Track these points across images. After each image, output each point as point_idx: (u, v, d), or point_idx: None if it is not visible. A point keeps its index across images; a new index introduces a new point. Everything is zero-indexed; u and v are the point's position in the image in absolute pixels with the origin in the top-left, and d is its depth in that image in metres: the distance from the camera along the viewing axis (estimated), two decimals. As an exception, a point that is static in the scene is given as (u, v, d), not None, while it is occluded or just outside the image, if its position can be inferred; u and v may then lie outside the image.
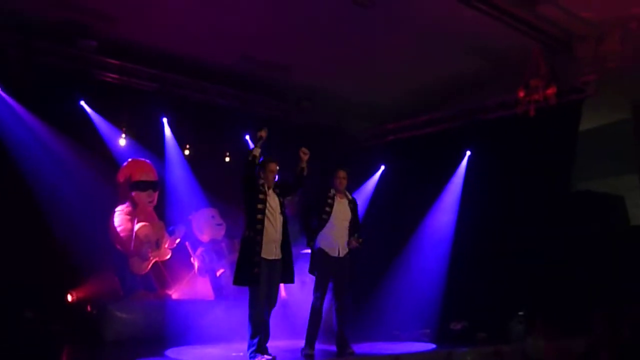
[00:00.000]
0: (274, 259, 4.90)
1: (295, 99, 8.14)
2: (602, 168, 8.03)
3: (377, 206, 8.21)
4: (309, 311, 5.33)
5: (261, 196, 4.88)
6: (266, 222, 4.87)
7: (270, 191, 4.96)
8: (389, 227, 7.89)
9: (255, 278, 4.74)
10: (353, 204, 5.50)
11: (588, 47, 6.40)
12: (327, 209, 5.35)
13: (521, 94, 6.77)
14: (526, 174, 6.99)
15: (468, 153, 7.81)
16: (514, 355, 5.56)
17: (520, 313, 6.26)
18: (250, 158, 4.94)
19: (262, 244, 4.81)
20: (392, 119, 8.54)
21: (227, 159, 7.89)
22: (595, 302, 5.77)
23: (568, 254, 6.45)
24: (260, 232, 4.82)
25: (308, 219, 5.45)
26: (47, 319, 5.69)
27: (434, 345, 6.16)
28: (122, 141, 7.01)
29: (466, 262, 7.26)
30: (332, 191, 5.43)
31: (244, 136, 8.19)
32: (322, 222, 5.34)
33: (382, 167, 8.66)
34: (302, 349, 5.20)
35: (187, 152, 7.57)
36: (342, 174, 5.46)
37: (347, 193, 5.52)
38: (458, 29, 6.30)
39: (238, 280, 4.89)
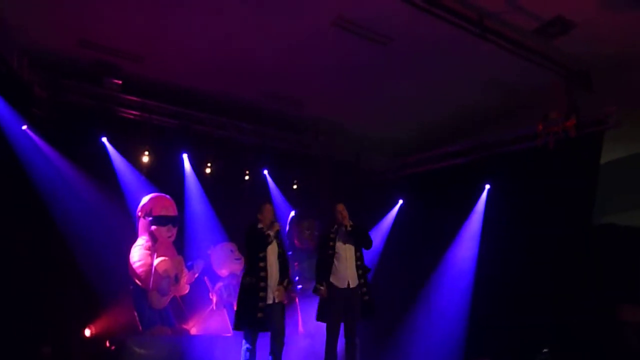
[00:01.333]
0: (273, 303, 5.03)
1: (314, 133, 8.21)
2: (624, 201, 7.88)
3: (395, 241, 8.14)
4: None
5: (262, 234, 5.10)
6: (268, 266, 5.03)
7: (271, 236, 5.11)
8: (409, 261, 7.82)
9: (260, 324, 4.90)
10: (353, 228, 5.46)
11: (608, 79, 6.39)
12: (331, 243, 5.40)
13: (540, 127, 6.76)
14: (547, 208, 6.90)
15: (487, 186, 7.76)
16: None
17: (545, 350, 6.08)
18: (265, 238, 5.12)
19: (266, 289, 4.96)
20: (410, 152, 8.55)
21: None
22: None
23: (592, 289, 6.30)
24: (264, 279, 4.97)
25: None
26: (65, 354, 5.68)
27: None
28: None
29: (489, 297, 7.13)
30: (335, 226, 5.48)
31: (263, 170, 8.26)
32: (329, 257, 5.36)
33: (400, 202, 8.62)
34: None
35: (207, 170, 7.66)
36: (340, 207, 5.50)
37: (349, 222, 5.49)
38: (475, 63, 6.35)
39: (238, 326, 5.03)
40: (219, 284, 7.08)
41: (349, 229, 5.39)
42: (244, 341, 5.01)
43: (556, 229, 6.77)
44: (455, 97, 7.19)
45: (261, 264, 5.02)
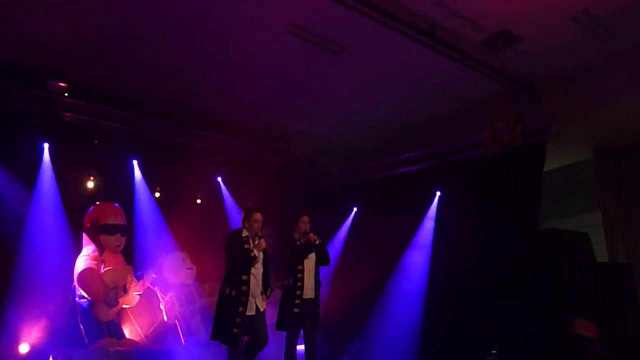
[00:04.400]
0: (255, 314, 4.98)
1: (269, 140, 8.16)
2: (568, 206, 8.23)
3: (350, 247, 8.19)
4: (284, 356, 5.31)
5: (247, 253, 4.96)
6: (251, 278, 4.87)
7: (254, 245, 4.99)
8: (364, 268, 7.86)
9: (234, 338, 4.79)
10: (319, 245, 5.62)
11: (550, 90, 6.67)
12: (297, 254, 5.46)
13: (487, 135, 6.98)
14: (495, 213, 7.09)
15: (438, 193, 7.92)
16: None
17: (493, 351, 6.24)
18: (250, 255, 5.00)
19: (247, 304, 4.87)
20: (365, 159, 8.64)
21: (199, 201, 7.79)
22: (568, 341, 5.81)
23: (539, 292, 6.52)
24: (246, 293, 4.86)
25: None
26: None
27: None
28: (90, 184, 6.84)
29: (440, 301, 7.26)
30: (297, 235, 5.54)
31: (216, 178, 8.14)
32: (297, 266, 5.41)
33: (355, 209, 8.69)
34: None
35: (157, 194, 7.44)
36: (305, 218, 5.60)
37: (317, 238, 5.61)
38: (426, 72, 6.50)
39: (216, 336, 4.91)
40: (170, 294, 6.91)
41: (316, 243, 5.50)
42: (228, 352, 4.90)
43: (504, 234, 6.98)
44: (408, 106, 7.34)
45: (244, 277, 4.89)
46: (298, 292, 5.40)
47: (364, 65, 6.37)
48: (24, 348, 5.81)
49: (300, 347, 6.84)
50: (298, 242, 5.58)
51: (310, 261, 5.55)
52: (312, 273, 5.54)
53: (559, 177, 7.84)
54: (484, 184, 7.26)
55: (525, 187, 7.00)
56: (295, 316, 5.32)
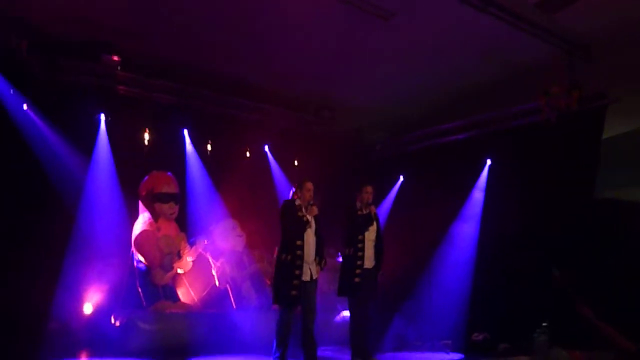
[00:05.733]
0: (310, 280, 5.12)
1: (315, 109, 8.18)
2: (626, 176, 7.85)
3: (397, 217, 8.17)
4: (350, 324, 5.46)
5: (300, 218, 5.11)
6: (305, 245, 5.05)
7: (307, 212, 5.10)
8: (410, 238, 7.85)
9: (293, 300, 5.00)
10: (376, 216, 5.65)
11: (609, 53, 6.31)
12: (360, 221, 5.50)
13: (542, 101, 6.71)
14: (549, 183, 6.89)
15: (489, 162, 7.74)
16: (537, 367, 5.48)
17: (544, 324, 6.14)
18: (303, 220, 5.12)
19: (302, 267, 5.03)
20: (412, 129, 8.52)
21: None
22: (622, 314, 5.62)
23: (593, 263, 6.32)
24: (301, 257, 5.03)
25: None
26: (69, 330, 5.79)
27: (457, 356, 6.09)
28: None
29: (490, 272, 7.19)
30: (358, 204, 5.57)
31: (264, 147, 8.27)
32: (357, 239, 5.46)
33: (401, 178, 8.63)
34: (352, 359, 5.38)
35: (209, 147, 7.62)
36: (369, 188, 5.62)
37: (369, 205, 5.64)
38: (476, 37, 6.27)
39: (276, 300, 5.14)
40: (221, 260, 7.16)
41: (373, 214, 5.63)
42: (279, 314, 5.09)
43: (558, 204, 6.78)
44: (456, 72, 7.12)
45: (298, 242, 5.07)
46: (359, 262, 5.48)
47: (411, 31, 6.21)
48: (87, 308, 6.19)
49: (346, 313, 7.00)
50: (359, 212, 5.61)
51: (371, 232, 5.62)
52: (372, 244, 5.61)
53: (618, 145, 7.47)
54: (538, 152, 7.04)
55: (582, 156, 6.75)
56: (356, 285, 5.41)
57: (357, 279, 5.42)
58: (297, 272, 5.01)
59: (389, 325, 7.21)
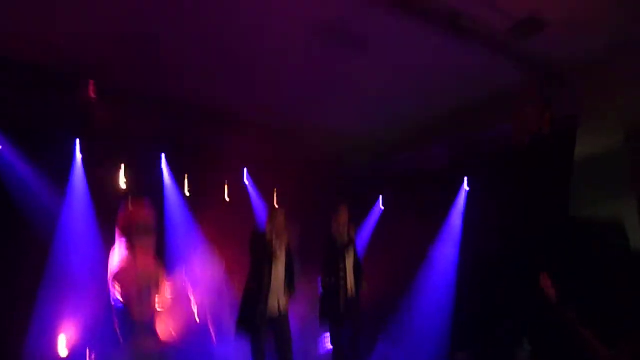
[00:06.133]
0: (279, 316, 5.06)
1: (295, 136, 8.18)
2: (600, 193, 8.02)
3: (376, 242, 8.17)
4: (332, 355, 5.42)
5: (269, 251, 4.97)
6: (272, 277, 4.87)
7: (279, 242, 5.00)
8: (389, 262, 7.83)
9: (256, 328, 4.96)
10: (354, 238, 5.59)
11: (580, 74, 6.50)
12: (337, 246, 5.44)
13: (515, 124, 6.86)
14: (525, 203, 7.00)
15: (466, 184, 7.84)
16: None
17: (524, 341, 6.16)
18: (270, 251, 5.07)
19: (267, 298, 4.91)
20: (390, 152, 8.59)
21: (227, 199, 7.87)
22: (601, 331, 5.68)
23: (572, 281, 6.40)
24: (268, 288, 4.85)
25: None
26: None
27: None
28: (120, 182, 6.98)
29: (470, 292, 7.22)
30: (334, 226, 5.52)
31: (243, 174, 8.22)
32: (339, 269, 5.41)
33: (381, 202, 8.66)
34: None
35: (186, 189, 7.55)
36: (344, 207, 5.60)
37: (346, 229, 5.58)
38: (450, 63, 6.39)
39: (238, 327, 5.13)
40: (200, 290, 7.00)
41: (352, 236, 5.49)
42: (250, 346, 5.02)
43: (535, 224, 6.87)
44: (432, 97, 7.24)
45: (266, 274, 4.98)
46: (341, 292, 5.32)
47: (387, 58, 6.30)
48: (62, 350, 5.97)
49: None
50: (336, 235, 5.50)
51: (350, 257, 5.50)
52: (352, 269, 5.46)
53: (591, 164, 7.63)
54: (513, 173, 7.16)
55: (555, 175, 6.87)
56: (341, 316, 5.27)
57: (342, 309, 5.32)
58: (262, 304, 4.94)
59: (373, 347, 7.14)
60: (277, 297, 4.95)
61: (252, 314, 4.83)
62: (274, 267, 4.95)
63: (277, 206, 5.31)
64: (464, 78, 6.77)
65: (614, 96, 6.55)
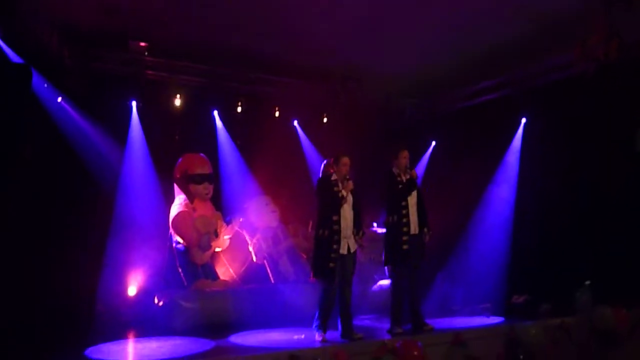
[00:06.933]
0: (347, 253, 5.17)
1: (341, 81, 8.07)
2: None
3: (431, 183, 8.06)
4: (391, 293, 5.55)
5: (336, 194, 5.12)
6: (341, 220, 5.09)
7: (343, 187, 5.10)
8: (444, 203, 7.74)
9: (331, 274, 5.06)
10: (415, 179, 5.58)
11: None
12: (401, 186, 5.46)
13: (578, 53, 6.41)
14: (587, 139, 6.64)
15: (524, 120, 7.51)
16: (580, 327, 5.38)
17: (587, 282, 6.00)
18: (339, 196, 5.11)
19: (339, 242, 5.08)
20: (442, 91, 8.32)
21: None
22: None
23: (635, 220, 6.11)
24: (338, 232, 5.08)
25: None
26: (113, 312, 6.05)
27: (498, 319, 6.06)
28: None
29: (528, 233, 7.06)
30: (396, 170, 5.51)
31: (293, 122, 8.28)
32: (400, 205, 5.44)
33: (434, 143, 8.48)
34: (390, 328, 5.41)
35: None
36: (405, 153, 5.59)
37: (408, 170, 5.58)
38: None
39: (316, 274, 5.23)
40: (257, 236, 7.29)
41: (414, 177, 5.58)
42: (322, 287, 5.20)
43: (597, 160, 6.54)
44: (487, 29, 6.82)
45: (335, 218, 5.10)
46: (405, 229, 5.42)
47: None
48: (131, 290, 6.46)
49: (384, 282, 7.04)
50: (399, 178, 5.54)
51: (412, 197, 5.54)
52: (415, 209, 5.53)
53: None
54: (575, 107, 6.77)
55: (622, 108, 6.44)
56: (405, 253, 5.39)
57: (405, 247, 5.39)
58: (334, 246, 5.07)
59: (432, 285, 7.21)
60: (347, 240, 5.11)
61: (325, 259, 5.03)
62: (342, 211, 5.09)
63: (342, 153, 5.32)
64: (523, 5, 6.32)
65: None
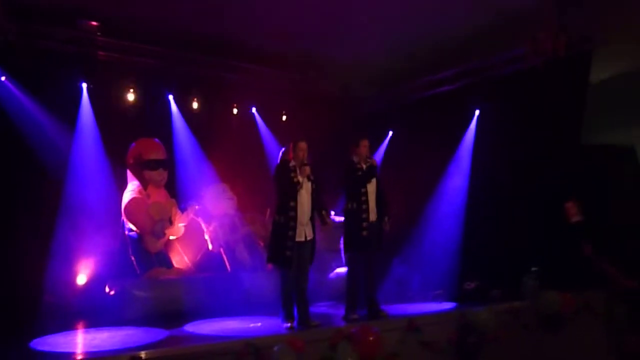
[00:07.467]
0: (304, 241, 5.15)
1: (301, 68, 8.03)
2: (612, 120, 7.83)
3: (387, 172, 8.16)
4: (347, 279, 5.60)
5: (293, 179, 5.09)
6: (298, 206, 5.05)
7: (302, 173, 5.08)
8: (401, 191, 7.86)
9: (287, 261, 5.05)
10: (374, 166, 5.62)
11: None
12: (360, 173, 5.48)
13: (529, 47, 6.63)
14: (536, 129, 6.88)
15: (477, 112, 7.70)
16: (528, 311, 5.61)
17: (534, 269, 6.25)
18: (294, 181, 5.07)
19: (295, 229, 5.06)
20: (399, 82, 8.41)
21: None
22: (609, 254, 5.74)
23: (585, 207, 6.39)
24: (294, 219, 5.05)
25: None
26: (63, 301, 5.83)
27: (449, 305, 6.23)
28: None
29: (480, 221, 7.27)
30: (356, 158, 5.53)
31: (251, 109, 8.17)
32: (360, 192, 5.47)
33: (390, 133, 8.58)
34: (346, 315, 5.46)
35: (195, 111, 7.57)
36: (366, 142, 5.65)
37: (368, 158, 5.61)
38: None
39: (271, 259, 5.24)
40: (214, 224, 7.19)
41: (374, 165, 5.63)
42: (280, 275, 5.20)
43: (545, 150, 6.79)
44: (442, 22, 6.96)
45: (292, 204, 5.08)
46: (364, 216, 5.46)
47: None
48: (81, 279, 6.23)
49: (340, 270, 7.10)
50: (358, 166, 5.57)
51: (372, 184, 5.59)
52: (374, 196, 5.59)
53: (606, 89, 7.40)
54: (526, 99, 7.00)
55: (569, 100, 6.71)
56: (364, 239, 5.43)
57: (364, 233, 5.44)
58: (290, 233, 5.06)
59: (388, 270, 7.31)
60: (304, 227, 5.10)
61: (281, 246, 5.01)
62: (299, 197, 5.07)
63: (299, 138, 5.28)
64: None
65: (631, 18, 6.23)
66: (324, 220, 5.33)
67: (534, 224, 6.64)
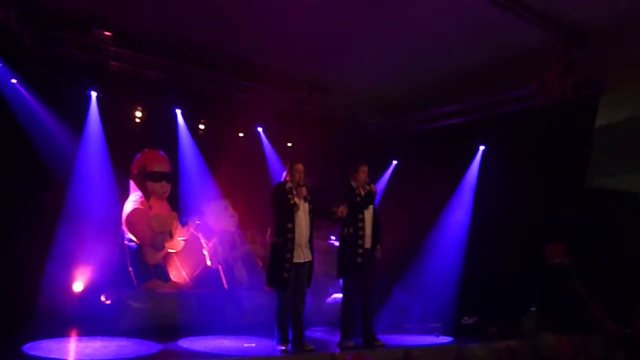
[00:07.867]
0: (302, 262, 5.13)
1: (309, 90, 8.10)
2: (616, 164, 7.91)
3: (389, 202, 8.18)
4: (342, 306, 5.55)
5: (290, 201, 5.07)
6: (295, 228, 5.04)
7: (297, 205, 5.08)
8: (402, 221, 7.86)
9: (284, 283, 5.01)
10: (373, 194, 5.62)
11: (605, 40, 6.29)
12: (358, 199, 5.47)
13: (537, 87, 6.71)
14: (540, 170, 6.93)
15: (482, 148, 7.76)
16: (524, 351, 5.55)
17: (532, 308, 6.22)
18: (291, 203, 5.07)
19: (293, 251, 5.03)
20: (405, 111, 8.48)
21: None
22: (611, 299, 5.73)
23: (582, 250, 6.40)
24: (292, 240, 5.02)
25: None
26: (59, 308, 5.74)
27: (446, 339, 6.17)
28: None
29: (480, 257, 7.25)
30: (355, 184, 5.54)
31: (257, 128, 8.21)
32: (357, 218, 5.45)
33: (394, 162, 8.62)
34: (341, 341, 5.38)
35: (201, 127, 7.61)
36: (365, 168, 5.64)
37: (367, 184, 5.62)
38: (471, 20, 6.20)
39: (269, 283, 5.20)
40: (213, 240, 7.14)
41: (373, 192, 5.60)
42: (278, 298, 5.13)
43: (549, 191, 6.83)
44: (452, 55, 7.06)
45: (289, 226, 5.05)
46: (360, 242, 5.43)
47: (405, 13, 6.14)
48: (78, 286, 6.13)
49: (337, 296, 7.04)
50: (357, 191, 5.57)
51: (369, 211, 5.57)
52: (371, 223, 5.56)
53: (613, 133, 7.49)
54: (531, 139, 7.07)
55: (574, 143, 6.78)
56: (358, 265, 5.39)
57: (359, 259, 5.41)
58: (288, 255, 5.02)
59: (388, 298, 7.26)
60: (302, 248, 5.07)
61: (279, 268, 4.98)
62: (296, 219, 5.05)
63: (296, 160, 5.29)
64: (483, 36, 6.57)
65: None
66: (339, 213, 5.27)
67: (534, 263, 6.63)
